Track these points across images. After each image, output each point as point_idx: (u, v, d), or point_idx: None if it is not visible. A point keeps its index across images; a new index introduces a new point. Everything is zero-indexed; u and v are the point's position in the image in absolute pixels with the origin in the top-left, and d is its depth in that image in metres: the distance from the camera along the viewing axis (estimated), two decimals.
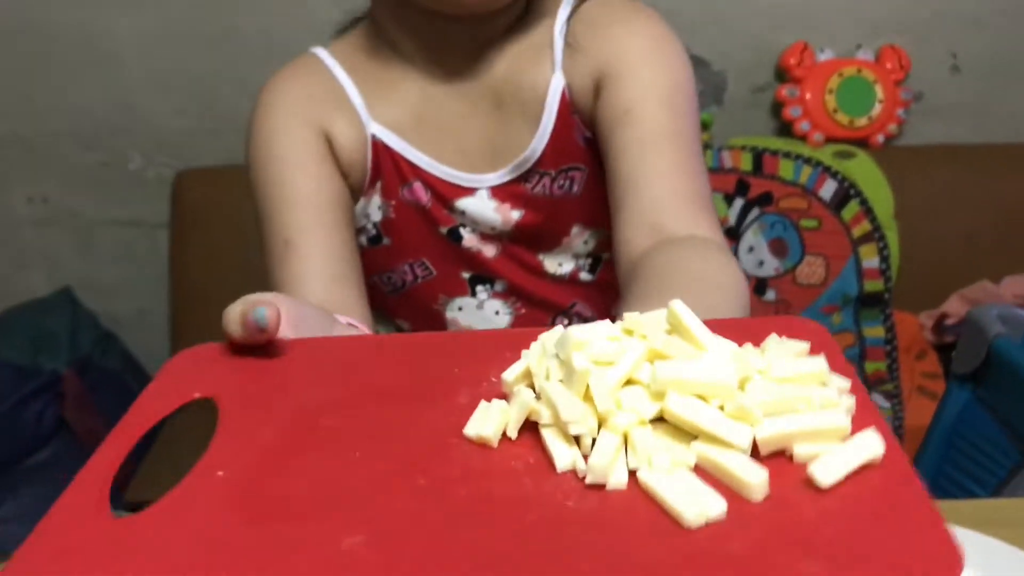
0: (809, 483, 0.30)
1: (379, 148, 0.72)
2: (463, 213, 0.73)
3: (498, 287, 0.76)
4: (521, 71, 0.70)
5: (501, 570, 0.27)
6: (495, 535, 0.29)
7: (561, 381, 0.33)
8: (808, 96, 1.66)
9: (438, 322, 0.77)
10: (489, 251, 0.75)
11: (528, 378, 0.35)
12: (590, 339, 0.33)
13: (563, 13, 0.71)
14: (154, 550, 0.30)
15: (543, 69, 0.70)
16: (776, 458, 0.31)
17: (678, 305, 0.35)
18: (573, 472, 0.31)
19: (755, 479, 0.29)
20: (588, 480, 0.31)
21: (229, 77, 1.64)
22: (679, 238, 0.59)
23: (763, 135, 1.70)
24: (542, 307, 0.77)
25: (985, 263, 1.63)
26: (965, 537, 0.59)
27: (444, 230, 0.74)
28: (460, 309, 0.76)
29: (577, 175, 0.73)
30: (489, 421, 0.33)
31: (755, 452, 0.31)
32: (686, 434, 0.32)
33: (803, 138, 1.67)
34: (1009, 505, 0.83)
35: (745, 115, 1.70)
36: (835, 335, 1.61)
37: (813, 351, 0.35)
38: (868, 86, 1.67)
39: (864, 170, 1.64)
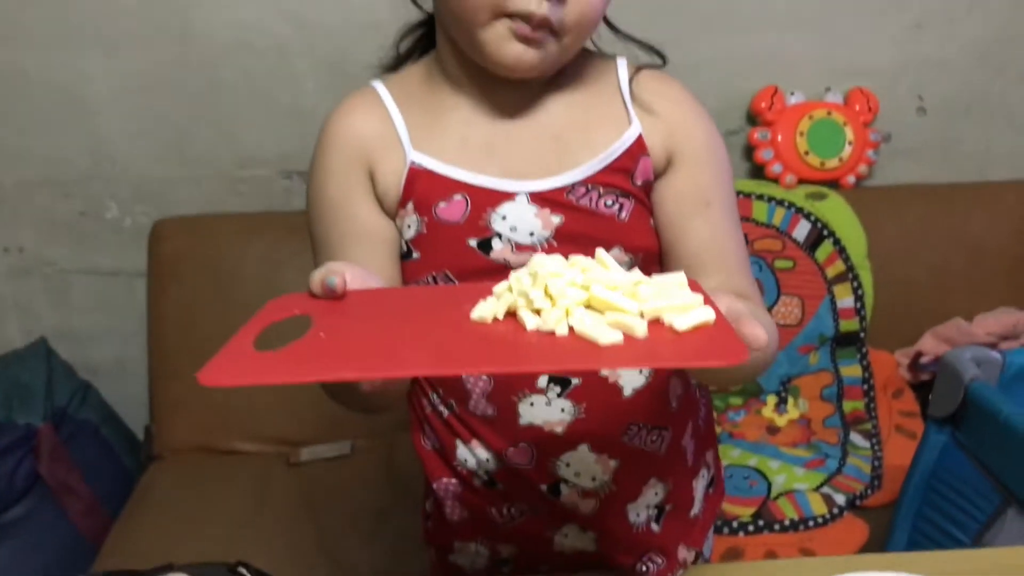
0: (670, 329, 0.51)
1: (415, 173, 0.77)
2: (503, 218, 0.76)
3: None
4: (586, 113, 0.79)
5: (490, 351, 0.50)
6: (480, 340, 0.51)
7: (531, 286, 0.53)
8: (779, 139, 1.69)
9: None
10: (517, 262, 0.76)
11: (508, 290, 0.54)
12: (548, 264, 0.55)
13: (623, 73, 0.81)
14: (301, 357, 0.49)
15: (616, 114, 0.79)
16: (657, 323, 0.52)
17: (600, 252, 0.55)
18: (536, 330, 0.51)
19: (638, 327, 0.50)
20: (542, 328, 0.51)
21: (207, 125, 1.64)
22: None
23: (736, 178, 1.72)
24: None
25: (957, 300, 1.66)
26: None
27: (474, 242, 0.76)
28: None
29: (627, 203, 0.78)
30: (485, 309, 0.53)
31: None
32: (603, 310, 0.52)
33: (775, 180, 1.70)
34: (991, 555, 0.84)
35: None
36: (813, 375, 1.63)
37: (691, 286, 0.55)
38: (838, 128, 1.70)
39: (836, 211, 1.67)
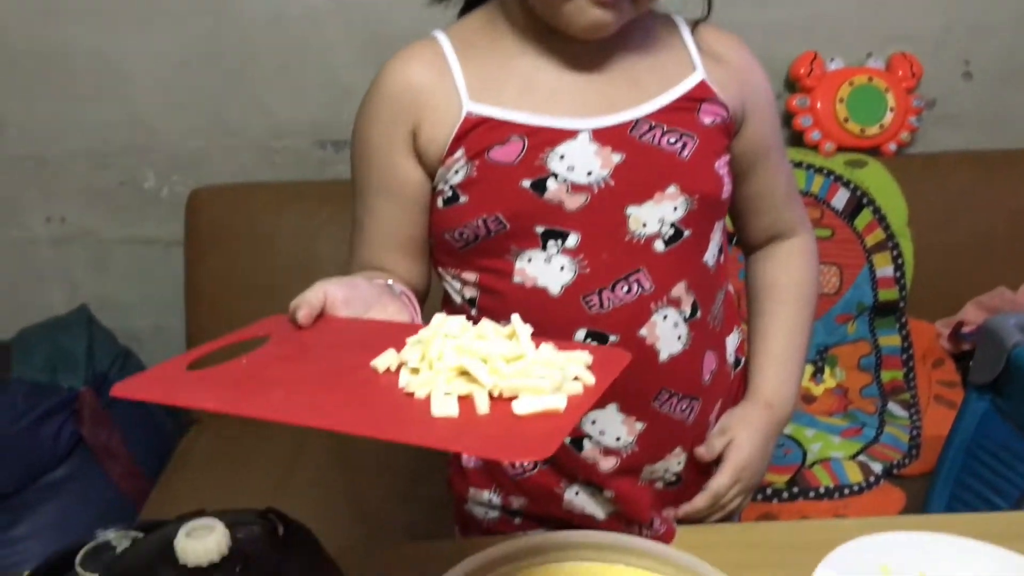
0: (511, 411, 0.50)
1: (470, 122, 0.77)
2: (561, 158, 0.76)
3: (570, 242, 0.77)
4: (653, 57, 0.81)
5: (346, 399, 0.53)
6: (349, 392, 0.54)
7: (416, 343, 0.57)
8: (819, 106, 1.66)
9: (505, 272, 0.79)
10: (573, 203, 0.76)
11: (417, 344, 0.57)
12: (448, 326, 0.57)
13: (683, 26, 0.84)
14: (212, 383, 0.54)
15: (680, 60, 0.82)
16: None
17: (515, 319, 0.56)
18: (402, 389, 0.53)
19: (480, 403, 0.50)
20: (406, 388, 0.53)
21: (242, 96, 1.66)
22: (790, 232, 0.91)
23: None
24: (607, 268, 0.78)
25: (1001, 269, 1.62)
26: (986, 552, 0.58)
27: (528, 183, 0.76)
28: (529, 260, 0.78)
29: (689, 142, 0.78)
30: (383, 360, 0.56)
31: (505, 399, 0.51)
32: (470, 377, 0.52)
33: (814, 148, 1.67)
34: None
35: None
36: (851, 344, 1.61)
37: (596, 367, 0.55)
38: (879, 94, 1.66)
39: (877, 179, 1.63)
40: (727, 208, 0.84)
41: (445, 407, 0.50)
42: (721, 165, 0.80)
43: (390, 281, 0.75)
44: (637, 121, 0.77)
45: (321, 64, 1.64)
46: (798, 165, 1.62)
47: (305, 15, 1.60)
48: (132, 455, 1.51)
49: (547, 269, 0.77)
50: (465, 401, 0.51)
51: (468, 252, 0.80)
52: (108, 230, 1.73)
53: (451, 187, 0.78)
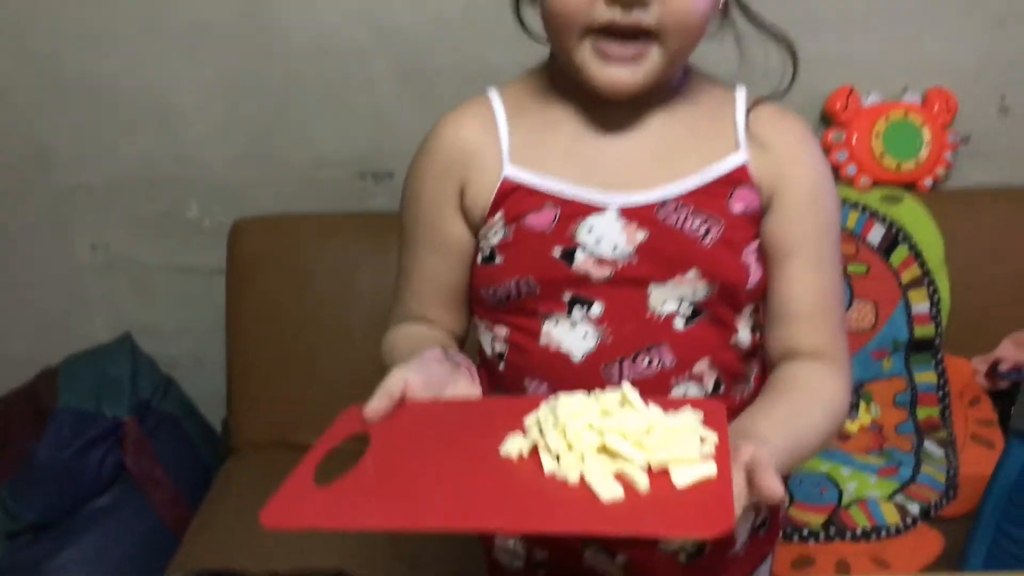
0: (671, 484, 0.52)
1: (508, 187, 0.79)
2: (589, 231, 0.77)
3: (594, 311, 0.78)
4: (694, 132, 0.79)
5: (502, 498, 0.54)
6: (501, 486, 0.55)
7: (552, 426, 0.57)
8: (854, 140, 1.66)
9: (533, 332, 0.81)
10: (598, 274, 0.77)
11: (537, 425, 0.58)
12: (571, 404, 0.58)
13: (740, 102, 0.80)
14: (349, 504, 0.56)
15: (724, 139, 0.79)
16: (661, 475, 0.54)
17: (627, 387, 0.59)
18: (552, 475, 0.55)
19: (640, 481, 0.52)
20: (557, 475, 0.54)
21: (285, 127, 1.68)
22: (811, 356, 0.79)
23: None
24: (629, 340, 0.79)
25: None
26: None
27: (558, 252, 0.77)
28: (556, 324, 0.80)
29: (714, 229, 0.77)
30: (513, 446, 0.57)
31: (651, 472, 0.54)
32: (614, 456, 0.54)
33: (850, 182, 1.67)
34: None
35: None
36: (886, 380, 1.61)
37: (708, 422, 0.58)
38: (915, 129, 1.67)
39: (912, 214, 1.63)
40: (760, 293, 0.81)
41: (612, 490, 0.51)
42: (749, 253, 0.79)
43: (450, 351, 0.77)
44: (665, 201, 0.77)
45: (364, 96, 1.66)
46: None
47: (350, 48, 1.62)
48: (173, 483, 1.53)
49: (571, 335, 0.79)
50: (618, 480, 0.52)
51: (501, 309, 0.82)
52: (151, 258, 1.76)
53: (490, 246, 0.80)
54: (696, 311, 0.79)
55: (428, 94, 1.62)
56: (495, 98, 0.82)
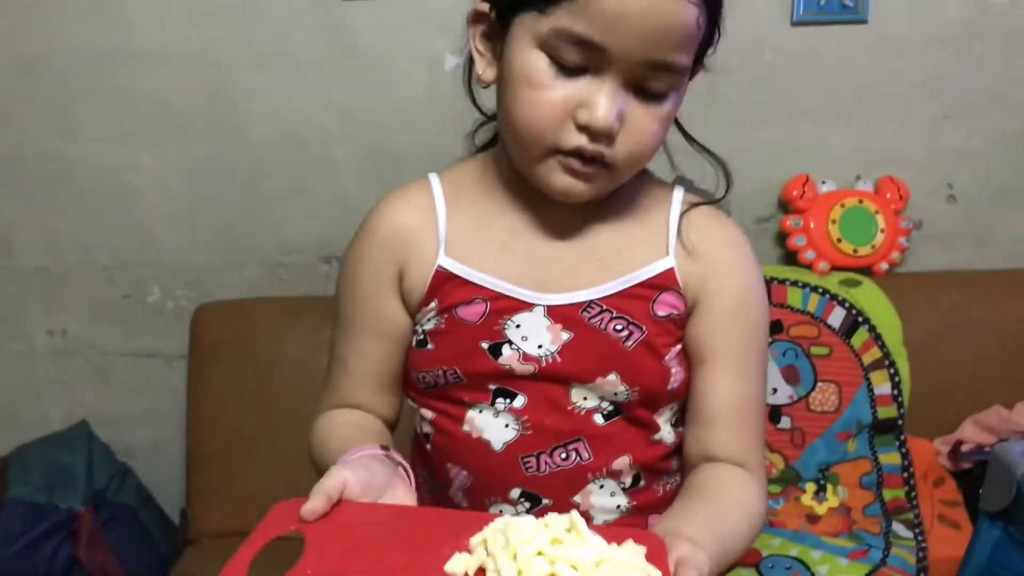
0: None
1: (442, 275, 0.80)
2: (518, 326, 0.78)
3: (517, 403, 0.79)
4: (626, 236, 0.80)
5: None
6: None
7: (502, 548, 0.57)
8: (812, 226, 1.71)
9: (457, 418, 0.81)
10: (522, 370, 0.78)
11: (483, 545, 0.59)
12: (522, 528, 0.58)
13: (676, 207, 0.81)
14: None
15: (654, 242, 0.80)
16: None
17: (575, 515, 0.59)
18: None
19: None
20: None
21: (249, 211, 1.69)
22: (728, 462, 0.79)
23: (770, 264, 1.75)
24: (548, 433, 0.80)
25: (996, 388, 1.64)
26: None
27: (486, 345, 0.78)
28: (480, 412, 0.81)
29: (636, 333, 0.78)
30: (458, 564, 0.57)
31: None
32: None
33: (809, 267, 1.71)
34: None
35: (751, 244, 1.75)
36: (852, 462, 1.61)
37: (651, 557, 0.58)
38: (869, 216, 1.72)
39: (871, 297, 1.67)
40: (684, 392, 0.82)
41: None
42: (671, 356, 0.80)
43: (390, 450, 0.76)
44: (591, 302, 0.78)
45: (328, 182, 1.68)
46: (794, 283, 1.66)
47: (314, 134, 1.65)
48: (127, 575, 1.47)
49: (494, 424, 0.80)
50: None
51: (428, 394, 0.83)
52: (110, 343, 1.73)
53: (424, 331, 0.81)
54: (616, 410, 0.80)
55: (393, 179, 1.58)
56: (436, 184, 0.83)
